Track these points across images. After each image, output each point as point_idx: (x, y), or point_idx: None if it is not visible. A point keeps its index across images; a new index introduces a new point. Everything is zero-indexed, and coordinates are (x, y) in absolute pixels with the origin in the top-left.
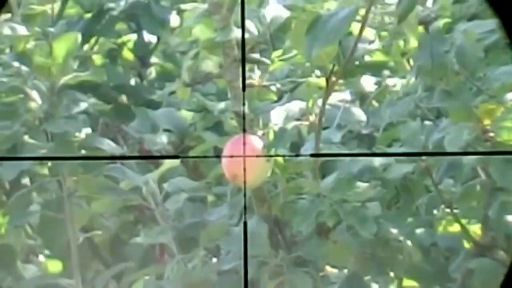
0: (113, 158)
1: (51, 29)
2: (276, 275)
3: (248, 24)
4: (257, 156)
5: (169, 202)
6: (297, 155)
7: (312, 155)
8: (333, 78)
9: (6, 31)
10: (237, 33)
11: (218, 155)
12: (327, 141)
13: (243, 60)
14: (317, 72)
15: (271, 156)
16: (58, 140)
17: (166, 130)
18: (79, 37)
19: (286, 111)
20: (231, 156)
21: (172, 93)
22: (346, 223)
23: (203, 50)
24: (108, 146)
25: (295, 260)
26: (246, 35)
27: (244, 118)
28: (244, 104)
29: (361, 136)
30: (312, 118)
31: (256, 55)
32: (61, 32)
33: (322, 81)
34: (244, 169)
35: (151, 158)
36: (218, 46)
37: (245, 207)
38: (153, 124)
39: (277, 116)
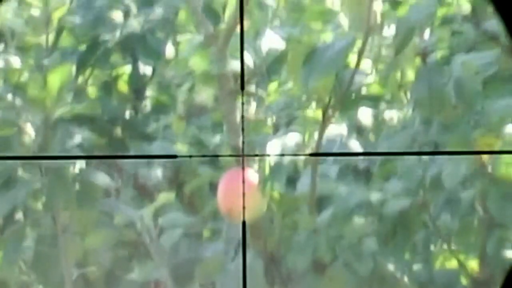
0: (110, 157)
1: (45, 61)
2: None
3: (244, 55)
4: (256, 155)
5: (164, 238)
6: (296, 155)
7: (311, 155)
8: (330, 111)
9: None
10: (233, 65)
11: (217, 155)
12: (324, 175)
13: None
14: (314, 105)
15: (269, 155)
16: (52, 174)
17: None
18: (73, 69)
19: (282, 145)
20: (231, 155)
21: (167, 126)
22: (342, 259)
23: (198, 82)
24: (103, 180)
25: None
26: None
27: (243, 116)
28: (243, 104)
29: (358, 170)
30: (308, 151)
31: (252, 87)
32: (55, 64)
33: (319, 114)
34: (243, 168)
35: (149, 158)
36: (213, 78)
37: (244, 207)
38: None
39: (273, 149)
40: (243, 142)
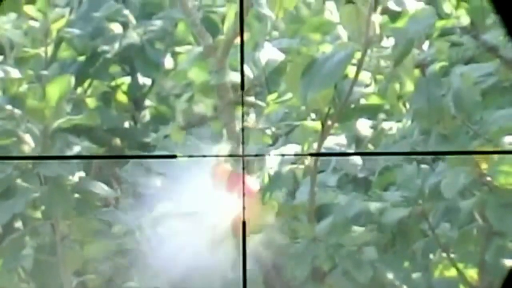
0: (111, 157)
1: (44, 72)
2: None
3: (244, 66)
4: (256, 155)
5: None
6: (296, 155)
7: (311, 154)
8: (329, 122)
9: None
10: (232, 76)
11: (216, 155)
12: (323, 184)
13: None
14: (313, 116)
15: (269, 155)
16: (51, 183)
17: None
18: (72, 80)
19: (281, 153)
20: (230, 155)
21: (166, 136)
22: (342, 268)
23: (197, 93)
24: (102, 189)
25: None
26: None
27: (243, 116)
28: (243, 104)
29: (357, 179)
30: (307, 161)
31: (252, 98)
32: (54, 75)
33: (318, 125)
34: (243, 168)
35: (149, 158)
36: (213, 89)
37: (243, 207)
38: (147, 168)
39: (273, 160)
40: (243, 143)
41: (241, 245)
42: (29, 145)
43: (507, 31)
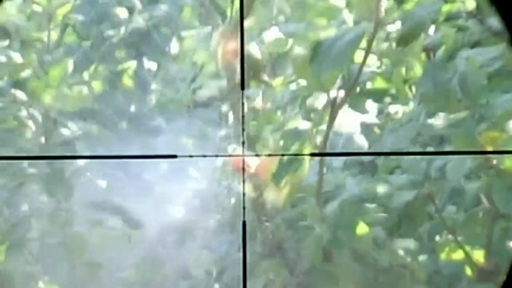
0: (114, 157)
1: (50, 57)
2: None
3: (250, 49)
4: (256, 155)
5: None
6: (296, 155)
7: (312, 154)
8: (337, 103)
9: (3, 59)
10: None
11: (216, 155)
12: (330, 166)
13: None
14: (321, 97)
15: (270, 155)
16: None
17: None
18: (78, 64)
19: (289, 135)
20: (230, 155)
21: (172, 120)
22: (349, 249)
23: (203, 75)
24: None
25: (298, 286)
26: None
27: (243, 116)
28: (243, 104)
29: (363, 163)
30: (315, 142)
31: (260, 78)
32: (59, 59)
33: (326, 106)
34: (243, 169)
35: (149, 158)
36: (219, 72)
37: (244, 207)
38: (153, 151)
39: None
40: (243, 143)
41: (241, 245)
42: (32, 128)
43: (507, 31)
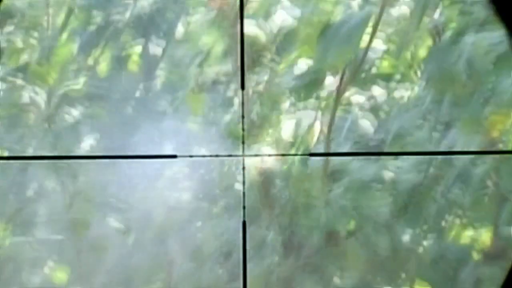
0: (113, 157)
1: (56, 41)
2: (284, 281)
3: (257, 29)
4: (256, 155)
5: None
6: (296, 155)
7: (311, 154)
8: (343, 86)
9: (6, 42)
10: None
11: (216, 155)
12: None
13: (242, 58)
14: (328, 79)
15: (270, 155)
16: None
17: None
18: (84, 48)
19: (295, 118)
20: (230, 155)
21: (178, 104)
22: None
23: (210, 57)
24: None
25: (304, 266)
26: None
27: (243, 116)
28: (243, 104)
29: (369, 147)
30: (321, 125)
31: (266, 60)
32: (65, 43)
33: (332, 89)
34: (243, 168)
35: (149, 158)
36: (225, 53)
37: (244, 207)
38: (159, 135)
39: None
40: (243, 143)
41: (241, 246)
42: (39, 109)
43: (507, 31)
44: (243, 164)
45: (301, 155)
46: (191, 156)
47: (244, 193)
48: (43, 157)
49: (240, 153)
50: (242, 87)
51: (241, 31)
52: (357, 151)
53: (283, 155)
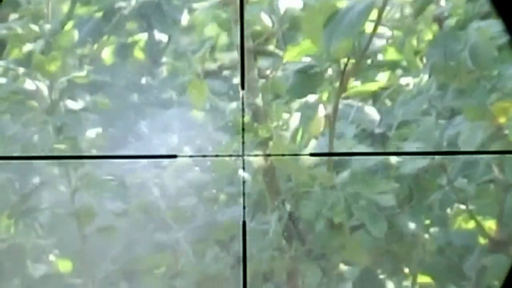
0: (115, 157)
1: (54, 29)
2: (289, 267)
3: (262, 16)
4: (256, 155)
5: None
6: (296, 155)
7: (311, 154)
8: (347, 74)
9: (7, 30)
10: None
11: (216, 155)
12: (341, 137)
13: (242, 59)
14: (332, 67)
15: (270, 155)
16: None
17: None
18: (90, 36)
19: (300, 105)
20: (231, 155)
21: (183, 93)
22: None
23: (215, 43)
24: None
25: (308, 253)
26: (259, 28)
27: (243, 116)
28: (243, 103)
29: (374, 134)
30: (326, 113)
31: (270, 47)
32: (70, 31)
33: (336, 76)
34: (243, 168)
35: (149, 158)
36: (230, 39)
37: (244, 207)
38: (165, 124)
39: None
40: (243, 143)
41: (241, 246)
42: (44, 98)
43: (507, 31)
44: (243, 164)
45: (302, 155)
46: (191, 156)
47: (244, 193)
48: (44, 157)
49: (240, 153)
50: (242, 87)
51: (241, 31)
52: (357, 151)
53: (283, 155)
